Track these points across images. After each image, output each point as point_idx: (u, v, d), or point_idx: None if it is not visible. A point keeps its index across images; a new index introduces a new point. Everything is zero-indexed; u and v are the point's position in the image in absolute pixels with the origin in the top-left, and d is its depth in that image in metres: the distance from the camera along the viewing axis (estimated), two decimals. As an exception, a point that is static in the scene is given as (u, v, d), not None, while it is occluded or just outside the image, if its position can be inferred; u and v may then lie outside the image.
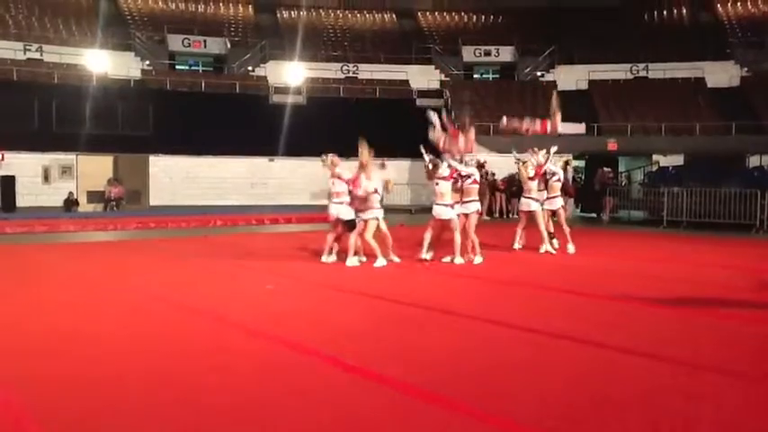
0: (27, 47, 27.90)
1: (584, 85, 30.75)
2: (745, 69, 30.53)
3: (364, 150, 10.20)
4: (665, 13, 35.08)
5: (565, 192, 15.54)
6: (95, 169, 26.22)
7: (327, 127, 22.74)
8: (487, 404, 4.10)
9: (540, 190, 11.95)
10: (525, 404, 4.09)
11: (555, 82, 31.45)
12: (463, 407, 4.05)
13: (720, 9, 34.34)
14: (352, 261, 10.18)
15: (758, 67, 30.23)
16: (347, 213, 10.28)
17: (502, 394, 4.29)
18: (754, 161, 25.89)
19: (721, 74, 29.89)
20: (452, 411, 3.99)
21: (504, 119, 12.17)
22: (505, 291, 8.43)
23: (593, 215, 23.39)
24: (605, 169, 23.83)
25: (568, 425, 3.76)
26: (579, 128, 12.61)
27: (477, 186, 10.85)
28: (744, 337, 5.96)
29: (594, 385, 4.49)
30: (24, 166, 24.79)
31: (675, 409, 4.00)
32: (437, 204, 10.44)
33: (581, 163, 30.42)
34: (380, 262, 10.06)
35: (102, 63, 27.64)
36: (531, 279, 9.11)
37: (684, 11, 34.82)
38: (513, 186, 22.99)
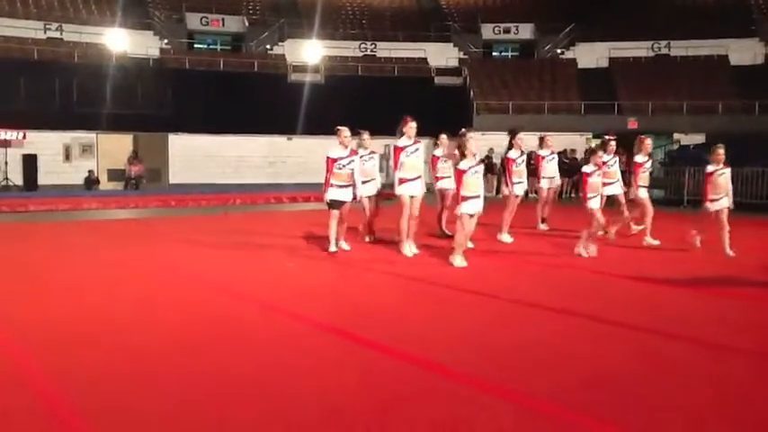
0: (47, 26, 28.04)
1: (604, 63, 30.41)
2: (770, 47, 30.04)
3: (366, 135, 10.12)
4: (687, -11, 34.49)
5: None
6: (115, 148, 26.45)
7: (345, 105, 22.70)
8: (510, 381, 4.13)
9: None
10: (546, 381, 4.11)
11: (575, 60, 31.16)
12: (485, 384, 4.09)
13: (745, -15, 33.70)
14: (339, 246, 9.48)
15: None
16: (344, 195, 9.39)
17: (524, 372, 4.32)
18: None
19: (745, 51, 29.40)
20: (473, 388, 4.03)
21: None
22: (528, 270, 8.43)
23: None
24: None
25: (587, 401, 3.78)
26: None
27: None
28: None
29: (616, 363, 4.50)
30: (46, 145, 25.04)
31: (698, 390, 4.01)
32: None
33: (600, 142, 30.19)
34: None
35: (121, 42, 27.73)
36: (553, 259, 9.10)
37: (708, -13, 34.21)
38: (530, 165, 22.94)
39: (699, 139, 26.48)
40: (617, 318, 5.71)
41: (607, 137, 11.54)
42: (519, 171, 10.94)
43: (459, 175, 8.20)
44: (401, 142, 9.08)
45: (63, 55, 26.48)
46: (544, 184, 12.20)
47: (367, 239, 10.48)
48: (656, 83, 28.65)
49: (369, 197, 10.15)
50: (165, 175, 27.18)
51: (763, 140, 25.25)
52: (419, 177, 9.12)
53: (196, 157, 27.10)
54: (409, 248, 9.20)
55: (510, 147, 11.06)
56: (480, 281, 7.45)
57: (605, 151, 10.89)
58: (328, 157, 9.11)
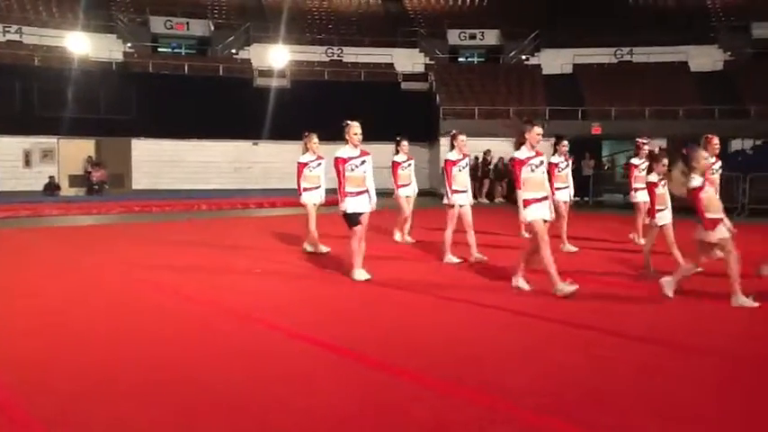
0: (6, 28, 27.46)
1: (568, 69, 30.76)
2: (729, 53, 30.68)
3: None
4: (649, -4, 35.11)
5: None
6: (77, 153, 26.00)
7: (312, 110, 22.61)
8: (482, 387, 4.12)
9: None
10: (518, 385, 4.11)
11: (540, 65, 31.49)
12: (456, 390, 4.07)
13: (705, -7, 34.42)
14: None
15: (741, 52, 30.40)
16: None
17: (496, 377, 4.31)
18: (735, 145, 26.10)
19: (704, 58, 29.99)
20: (444, 395, 4.01)
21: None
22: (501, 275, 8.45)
23: (578, 199, 23.46)
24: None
25: (561, 403, 3.79)
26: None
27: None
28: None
29: (588, 368, 4.52)
30: (5, 150, 24.53)
31: (670, 391, 4.04)
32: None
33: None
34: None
35: (83, 45, 27.26)
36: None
37: (669, -5, 34.87)
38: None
39: (661, 143, 26.94)
40: (601, 325, 5.74)
41: (639, 140, 11.28)
42: (562, 176, 10.41)
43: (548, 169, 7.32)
44: (452, 156, 9.09)
45: (23, 58, 25.95)
46: None
47: (322, 249, 9.89)
48: (619, 89, 29.06)
49: (315, 204, 9.90)
50: (129, 181, 26.79)
51: (723, 145, 25.72)
52: (467, 191, 9.16)
53: (160, 162, 26.75)
54: (452, 258, 8.96)
55: (554, 152, 10.41)
56: (459, 287, 7.44)
57: (637, 155, 10.82)
58: (338, 158, 7.65)
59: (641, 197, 10.60)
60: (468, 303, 6.53)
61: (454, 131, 9.47)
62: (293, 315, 6.13)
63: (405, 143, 11.33)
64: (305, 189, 9.87)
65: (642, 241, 10.47)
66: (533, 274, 7.11)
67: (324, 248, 9.77)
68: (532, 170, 6.94)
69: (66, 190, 25.54)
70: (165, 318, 5.99)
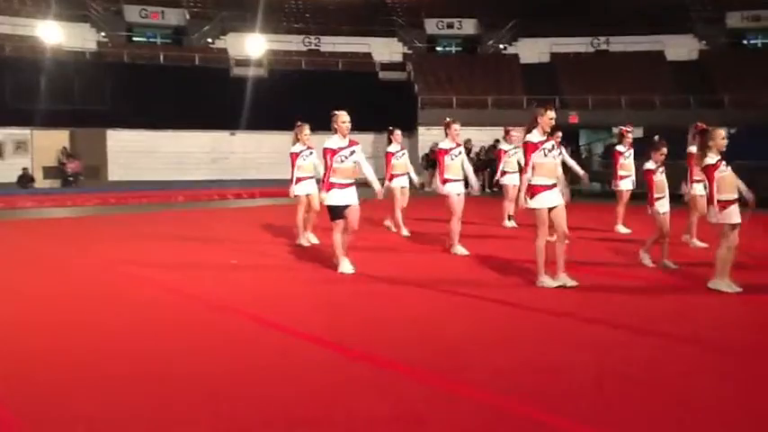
0: (-24, 18, 26.95)
1: (546, 59, 30.87)
2: (704, 43, 30.96)
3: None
4: (625, -14, 35.22)
5: None
6: (51, 144, 25.62)
7: (289, 100, 22.46)
8: (462, 377, 4.12)
9: None
10: (506, 377, 4.12)
11: (517, 55, 31.55)
12: (436, 380, 4.07)
13: (680, -18, 34.61)
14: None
15: (716, 41, 30.67)
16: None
17: (484, 369, 4.31)
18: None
19: (680, 47, 30.24)
20: (424, 385, 4.01)
21: None
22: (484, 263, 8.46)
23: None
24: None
25: (552, 395, 3.80)
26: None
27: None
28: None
29: (558, 354, 4.54)
30: (-24, 142, 24.12)
31: (670, 383, 4.05)
32: None
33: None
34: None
35: (56, 35, 26.82)
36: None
37: (645, -16, 35.02)
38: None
39: (637, 132, 27.10)
40: (593, 315, 5.76)
41: (623, 128, 11.12)
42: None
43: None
44: (445, 145, 8.91)
45: (-7, 48, 25.53)
46: (507, 180, 11.35)
47: (303, 242, 9.68)
48: (596, 78, 29.22)
49: (309, 195, 9.53)
50: (104, 173, 26.47)
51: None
52: (461, 180, 8.93)
53: (136, 153, 26.43)
54: (461, 249, 8.78)
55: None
56: (447, 278, 7.43)
57: (621, 143, 10.82)
58: (326, 149, 7.35)
59: (624, 185, 10.72)
60: (456, 295, 6.48)
61: (448, 119, 9.26)
62: (273, 307, 6.10)
63: (398, 132, 11.14)
64: (299, 179, 9.55)
65: (623, 229, 10.57)
66: (530, 264, 7.09)
67: (305, 242, 9.63)
68: (545, 155, 6.66)
69: (41, 182, 25.17)
70: (143, 310, 5.92)
